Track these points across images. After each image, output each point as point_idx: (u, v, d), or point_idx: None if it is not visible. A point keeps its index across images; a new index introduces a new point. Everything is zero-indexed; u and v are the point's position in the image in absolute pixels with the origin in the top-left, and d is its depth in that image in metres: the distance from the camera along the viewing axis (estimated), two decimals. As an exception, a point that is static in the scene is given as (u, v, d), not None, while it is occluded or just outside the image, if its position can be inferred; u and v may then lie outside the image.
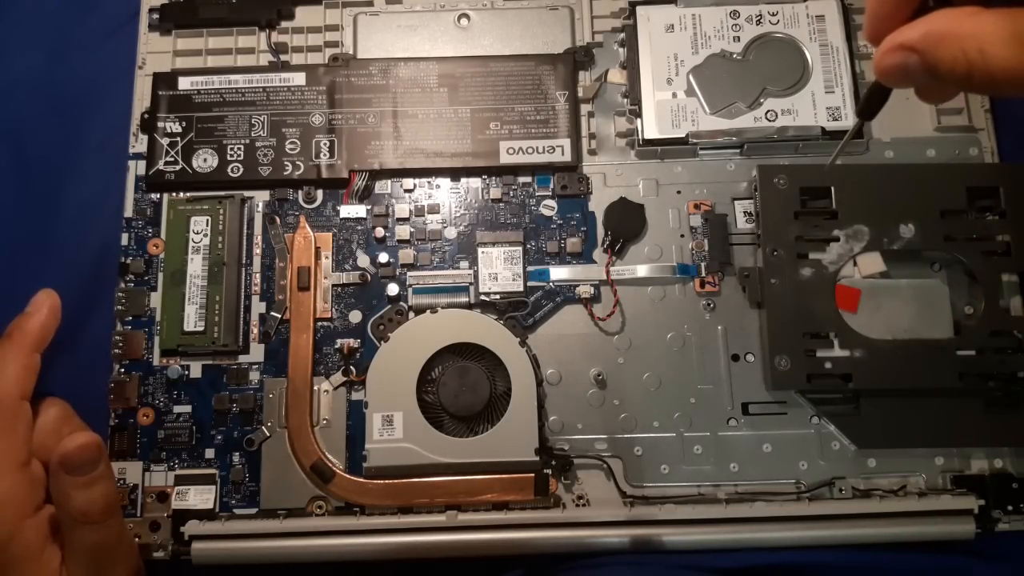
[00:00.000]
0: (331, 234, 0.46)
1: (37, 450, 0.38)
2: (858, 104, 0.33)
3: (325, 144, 0.47)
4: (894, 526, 0.41)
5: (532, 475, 0.42)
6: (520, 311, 0.45)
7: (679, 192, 0.47)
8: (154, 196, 0.47)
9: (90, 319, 0.46)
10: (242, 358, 0.45)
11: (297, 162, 0.47)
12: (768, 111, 0.46)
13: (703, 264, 0.45)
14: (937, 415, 0.43)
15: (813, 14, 0.47)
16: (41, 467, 0.38)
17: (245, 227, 0.46)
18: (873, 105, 0.32)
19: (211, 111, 0.47)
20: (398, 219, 0.47)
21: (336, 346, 0.45)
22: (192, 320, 0.44)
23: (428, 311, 0.45)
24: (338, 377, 0.44)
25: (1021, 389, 0.42)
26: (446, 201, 0.47)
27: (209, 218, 0.46)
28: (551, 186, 0.47)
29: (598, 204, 0.47)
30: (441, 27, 0.49)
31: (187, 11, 0.49)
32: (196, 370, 0.45)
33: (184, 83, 0.47)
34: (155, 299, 0.45)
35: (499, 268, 0.46)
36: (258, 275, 0.46)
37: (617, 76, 0.48)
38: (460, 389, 0.43)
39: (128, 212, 0.47)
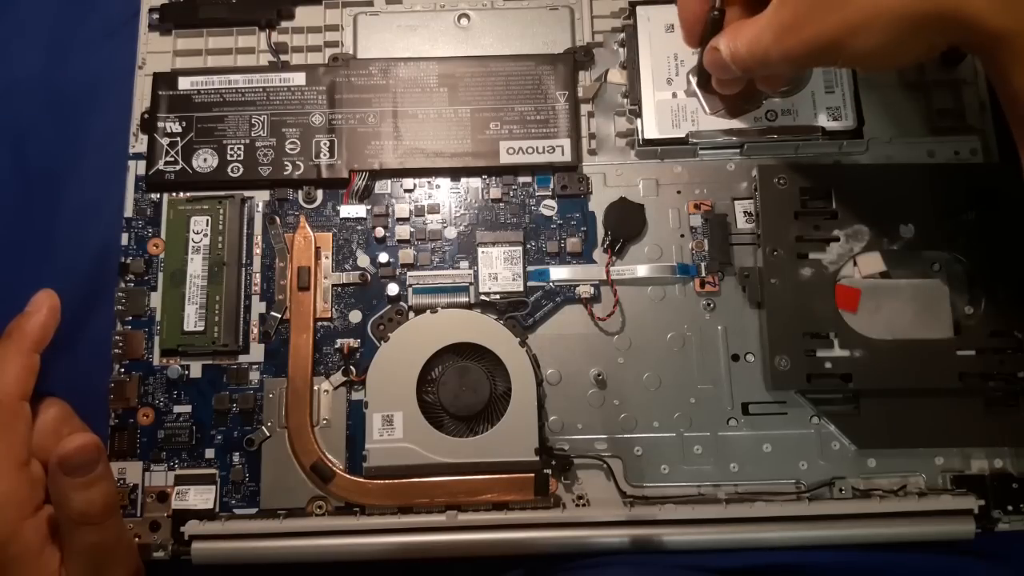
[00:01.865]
0: (331, 234, 0.46)
1: (36, 450, 0.38)
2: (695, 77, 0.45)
3: (325, 144, 0.47)
4: (894, 526, 0.41)
5: (532, 475, 0.42)
6: (520, 311, 0.45)
7: (679, 192, 0.47)
8: (154, 196, 0.47)
9: (90, 319, 0.46)
10: (242, 358, 0.45)
11: (297, 162, 0.47)
12: (768, 111, 0.46)
13: (703, 264, 0.45)
14: (937, 415, 0.43)
15: (813, 14, 0.47)
16: (40, 467, 0.38)
17: (245, 227, 0.46)
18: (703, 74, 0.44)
19: (211, 111, 0.47)
20: (398, 219, 0.47)
21: (336, 346, 0.45)
22: (192, 320, 0.44)
23: (428, 311, 0.45)
24: (338, 377, 0.44)
25: (1021, 389, 0.42)
26: (446, 201, 0.47)
27: (209, 218, 0.46)
28: (551, 186, 0.47)
29: (598, 204, 0.47)
30: (441, 27, 0.49)
31: (187, 11, 0.49)
32: (196, 370, 0.45)
33: (184, 83, 0.47)
34: (155, 299, 0.45)
35: (499, 268, 0.46)
36: (258, 275, 0.46)
37: (617, 76, 0.48)
38: (460, 389, 0.43)
39: (128, 212, 0.47)
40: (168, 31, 0.49)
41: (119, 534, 0.38)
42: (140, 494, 0.43)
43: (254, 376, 0.45)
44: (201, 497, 0.43)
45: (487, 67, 0.48)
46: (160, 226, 0.46)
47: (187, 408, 0.44)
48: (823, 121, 0.45)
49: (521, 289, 0.45)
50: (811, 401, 0.44)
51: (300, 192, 0.47)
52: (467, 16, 0.49)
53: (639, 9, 0.47)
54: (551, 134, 0.47)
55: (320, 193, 0.47)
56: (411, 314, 0.45)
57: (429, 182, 0.47)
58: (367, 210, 0.47)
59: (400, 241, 0.46)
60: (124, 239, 0.46)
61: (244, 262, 0.46)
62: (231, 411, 0.44)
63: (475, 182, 0.47)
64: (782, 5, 0.35)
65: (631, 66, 0.47)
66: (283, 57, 0.49)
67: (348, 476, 0.43)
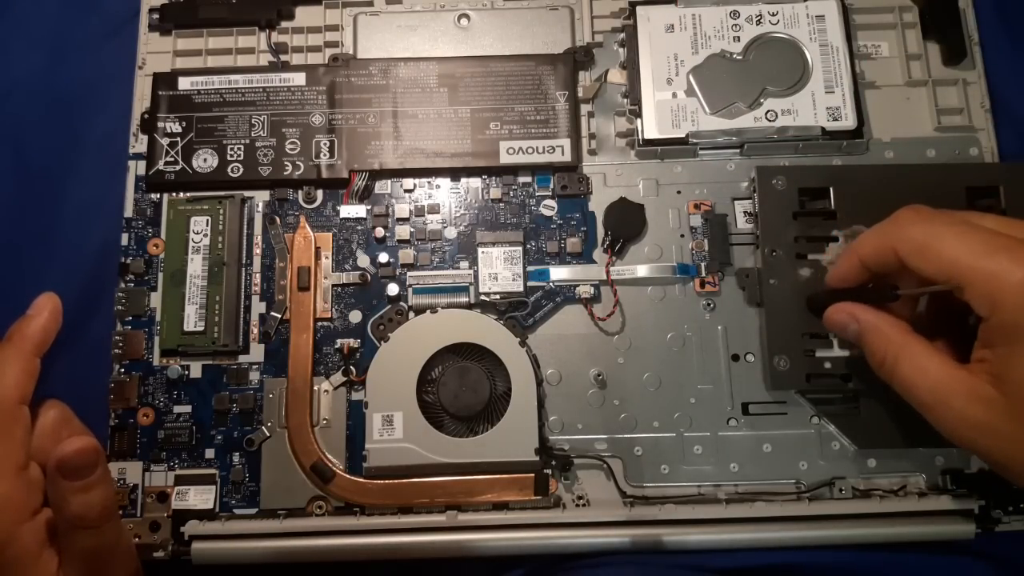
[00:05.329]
0: (331, 234, 0.46)
1: (35, 453, 0.38)
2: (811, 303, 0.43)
3: (325, 144, 0.47)
4: (894, 526, 0.41)
5: (532, 475, 0.42)
6: (520, 311, 0.45)
7: (679, 192, 0.47)
8: (154, 196, 0.47)
9: (90, 319, 0.46)
10: (242, 358, 0.45)
11: (297, 162, 0.47)
12: (768, 111, 0.46)
13: (703, 264, 0.45)
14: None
15: (813, 14, 0.47)
16: (39, 470, 0.38)
17: (245, 227, 0.46)
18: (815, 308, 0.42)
19: (211, 111, 0.47)
20: (398, 219, 0.47)
21: (336, 346, 0.45)
22: (192, 320, 0.44)
23: (428, 311, 0.45)
24: (338, 377, 0.44)
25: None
26: (446, 201, 0.47)
27: (209, 218, 0.46)
28: (551, 186, 0.47)
29: (598, 204, 0.47)
30: (441, 27, 0.49)
31: (187, 11, 0.49)
32: (196, 370, 0.45)
33: (184, 83, 0.47)
34: (155, 299, 0.45)
35: (499, 268, 0.46)
36: (258, 275, 0.46)
37: (617, 76, 0.48)
38: (460, 389, 0.43)
39: (128, 212, 0.47)
40: (168, 31, 0.49)
41: (118, 537, 0.38)
42: (140, 494, 0.43)
43: (254, 376, 0.45)
44: (201, 497, 0.43)
45: (487, 67, 0.48)
46: (160, 226, 0.46)
47: (187, 408, 0.44)
48: (823, 121, 0.45)
49: (521, 289, 0.45)
50: (811, 401, 0.44)
51: (300, 192, 0.47)
52: (467, 16, 0.49)
53: (639, 9, 0.47)
54: (551, 134, 0.47)
55: (320, 193, 0.47)
56: (411, 314, 0.45)
57: (429, 182, 0.47)
58: (367, 210, 0.47)
59: (400, 241, 0.46)
60: (124, 239, 0.46)
61: (244, 262, 0.46)
62: (231, 411, 0.44)
63: (475, 182, 0.47)
64: (1003, 383, 0.32)
65: (631, 66, 0.47)
66: (283, 57, 0.49)
67: (348, 476, 0.43)
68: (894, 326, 0.36)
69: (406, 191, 0.47)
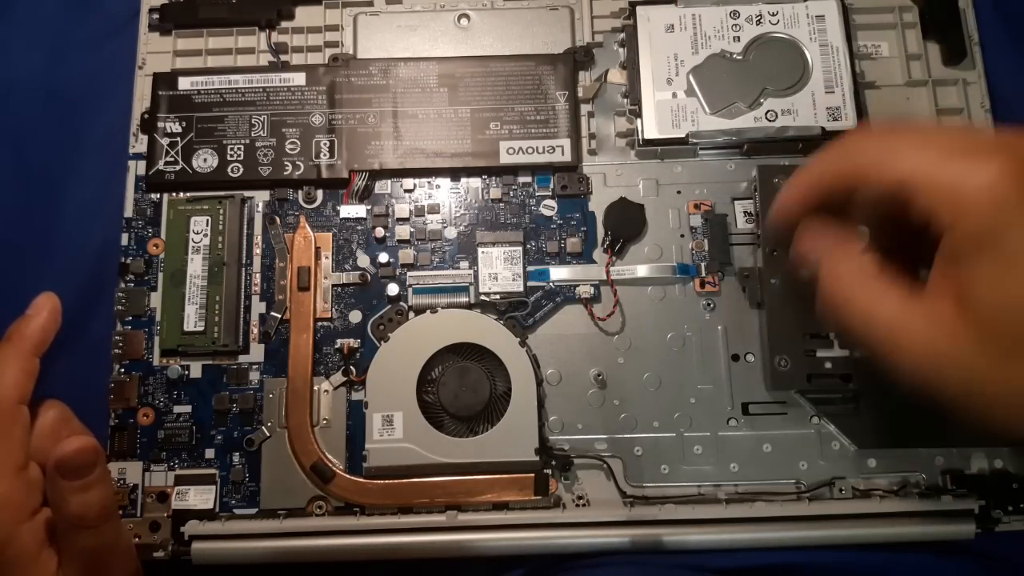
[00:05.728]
0: (331, 234, 0.46)
1: (34, 453, 0.38)
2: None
3: (325, 144, 0.47)
4: (894, 526, 0.41)
5: (532, 475, 0.42)
6: (520, 311, 0.45)
7: (679, 192, 0.47)
8: (154, 196, 0.47)
9: (90, 319, 0.46)
10: (242, 358, 0.45)
11: (297, 162, 0.47)
12: (768, 111, 0.46)
13: (703, 264, 0.45)
14: (937, 415, 0.42)
15: (813, 14, 0.47)
16: (39, 470, 0.38)
17: (245, 227, 0.46)
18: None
19: (211, 111, 0.47)
20: (398, 219, 0.47)
21: (336, 346, 0.45)
22: (192, 320, 0.44)
23: (428, 311, 0.45)
24: (338, 377, 0.44)
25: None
26: (446, 201, 0.47)
27: (209, 218, 0.46)
28: (551, 186, 0.47)
29: (598, 204, 0.47)
30: (441, 27, 0.49)
31: (187, 11, 0.49)
32: (196, 370, 0.45)
33: (184, 83, 0.47)
34: (155, 299, 0.45)
35: (499, 268, 0.46)
36: (258, 275, 0.46)
37: (617, 76, 0.48)
38: (460, 389, 0.43)
39: (128, 212, 0.47)
40: (168, 31, 0.49)
41: (117, 537, 0.38)
42: (140, 494, 0.43)
43: (254, 376, 0.45)
44: (201, 497, 0.43)
45: (487, 67, 0.48)
46: (160, 226, 0.46)
47: (187, 408, 0.44)
48: (823, 121, 0.45)
49: (521, 289, 0.45)
50: (811, 401, 0.44)
51: (300, 192, 0.47)
52: (467, 16, 0.49)
53: (639, 9, 0.47)
54: (551, 134, 0.47)
55: (320, 193, 0.47)
56: (411, 314, 0.45)
57: (429, 182, 0.47)
58: (367, 210, 0.47)
59: (400, 241, 0.46)
60: (124, 239, 0.46)
61: (244, 262, 0.46)
62: (231, 411, 0.44)
63: (475, 182, 0.47)
64: (967, 305, 0.27)
65: (631, 66, 0.47)
66: (283, 57, 0.49)
67: (348, 476, 0.43)
68: (845, 260, 0.31)
69: (406, 191, 0.47)
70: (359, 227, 0.47)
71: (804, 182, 0.33)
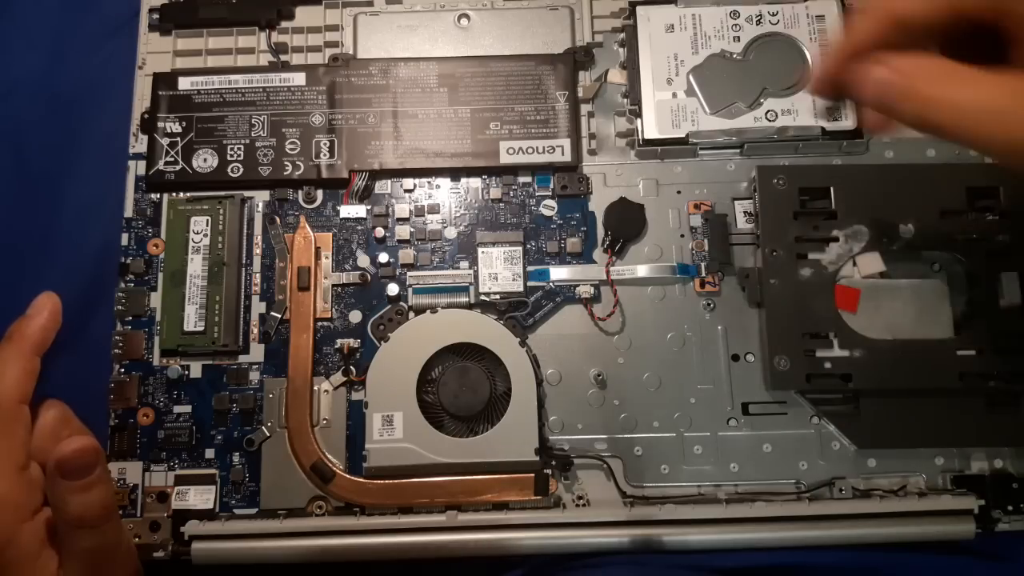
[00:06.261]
0: (331, 234, 0.46)
1: (35, 453, 0.38)
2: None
3: (325, 144, 0.47)
4: (894, 526, 0.41)
5: (532, 475, 0.42)
6: (520, 311, 0.45)
7: (679, 192, 0.47)
8: (154, 196, 0.47)
9: (90, 319, 0.46)
10: (242, 358, 0.45)
11: (297, 162, 0.47)
12: (768, 111, 0.46)
13: (703, 264, 0.45)
14: (937, 415, 0.43)
15: (813, 14, 0.47)
16: (39, 470, 0.38)
17: (245, 227, 0.46)
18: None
19: (211, 111, 0.47)
20: (398, 219, 0.47)
21: (336, 346, 0.45)
22: (192, 320, 0.44)
23: (428, 311, 0.45)
24: (338, 377, 0.44)
25: (1021, 389, 0.42)
26: (446, 201, 0.47)
27: (209, 218, 0.46)
28: (551, 186, 0.47)
29: (598, 204, 0.47)
30: (441, 27, 0.49)
31: (187, 11, 0.49)
32: (196, 370, 0.45)
33: (184, 83, 0.47)
34: (155, 299, 0.45)
35: (499, 268, 0.46)
36: (258, 275, 0.46)
37: (617, 76, 0.48)
38: (460, 389, 0.43)
39: (128, 212, 0.47)
40: (168, 31, 0.49)
41: (118, 537, 0.38)
42: (140, 494, 0.43)
43: (254, 376, 0.45)
44: (201, 497, 0.43)
45: (487, 67, 0.48)
46: (160, 226, 0.46)
47: (187, 408, 0.44)
48: (823, 121, 0.45)
49: (521, 289, 0.45)
50: (811, 401, 0.44)
51: (300, 192, 0.47)
52: (467, 16, 0.49)
53: (639, 9, 0.47)
54: (551, 134, 0.47)
55: (320, 193, 0.47)
56: (411, 314, 0.45)
57: (429, 182, 0.47)
58: (367, 210, 0.47)
59: (400, 241, 0.46)
60: (124, 239, 0.46)
61: (244, 262, 0.46)
62: (231, 411, 0.44)
63: (475, 182, 0.47)
64: None
65: (631, 66, 0.47)
66: (283, 57, 0.49)
67: (348, 476, 0.43)
68: (939, 62, 0.29)
69: (406, 191, 0.47)
70: (359, 227, 0.47)
71: (876, 15, 0.31)
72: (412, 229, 0.47)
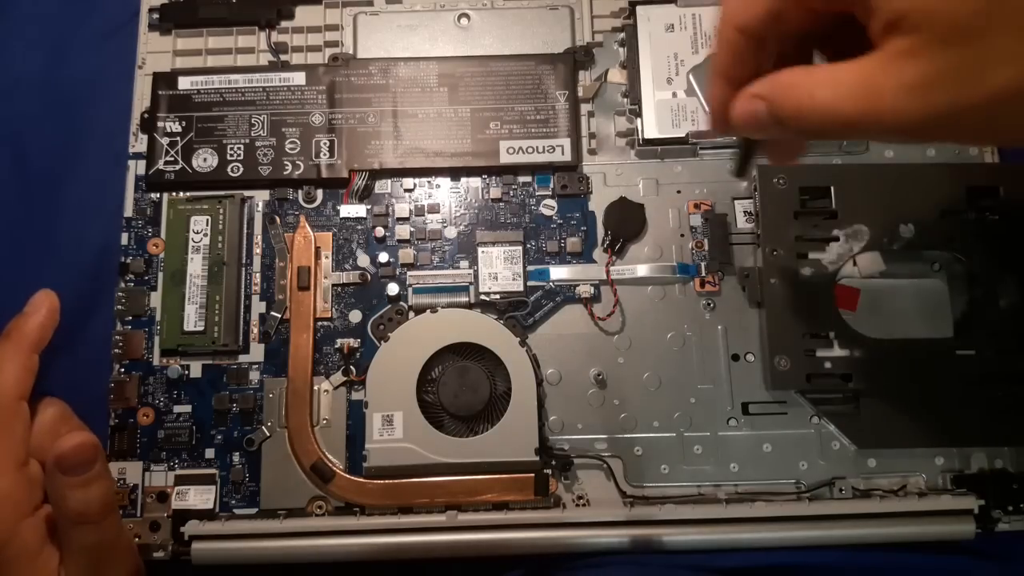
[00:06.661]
0: (331, 234, 0.46)
1: (35, 450, 0.38)
2: (734, 165, 0.35)
3: (325, 144, 0.47)
4: (894, 526, 0.41)
5: (532, 475, 0.42)
6: (520, 311, 0.45)
7: (679, 192, 0.47)
8: (154, 196, 0.47)
9: (90, 319, 0.46)
10: (242, 358, 0.45)
11: (297, 162, 0.47)
12: (768, 111, 0.46)
13: (703, 264, 0.45)
14: (937, 415, 0.43)
15: (813, 14, 0.47)
16: (39, 467, 0.38)
17: (245, 227, 0.46)
18: (744, 161, 0.35)
19: (211, 111, 0.47)
20: (398, 219, 0.47)
21: (336, 346, 0.45)
22: (192, 320, 0.44)
23: (428, 311, 0.45)
24: (338, 377, 0.44)
25: (1021, 389, 0.42)
26: (446, 201, 0.47)
27: (209, 218, 0.46)
28: (551, 186, 0.47)
29: (598, 204, 0.47)
30: (441, 27, 0.49)
31: (187, 11, 0.49)
32: (196, 370, 0.45)
33: (184, 83, 0.47)
34: (155, 299, 0.45)
35: (499, 268, 0.46)
36: (258, 275, 0.46)
37: (617, 76, 0.48)
38: (460, 389, 0.43)
39: (128, 212, 0.47)
40: (168, 31, 0.49)
41: (118, 533, 0.38)
42: (140, 494, 0.43)
43: (254, 376, 0.45)
44: (201, 497, 0.43)
45: (487, 67, 0.48)
46: (160, 226, 0.46)
47: (187, 408, 0.44)
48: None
49: (521, 289, 0.45)
50: (811, 401, 0.44)
51: (300, 192, 0.47)
52: (467, 16, 0.49)
53: (639, 9, 0.47)
54: (551, 134, 0.47)
55: (320, 193, 0.47)
56: (411, 314, 0.45)
57: (429, 182, 0.47)
58: (367, 210, 0.47)
59: (400, 241, 0.46)
60: (124, 239, 0.46)
61: (244, 262, 0.46)
62: (231, 411, 0.44)
63: (475, 182, 0.47)
64: (911, 56, 0.25)
65: (631, 66, 0.47)
66: (283, 57, 0.49)
67: (348, 476, 0.43)
68: (796, 71, 0.29)
69: (406, 191, 0.47)
70: (359, 227, 0.47)
71: (728, 25, 0.31)
72: (412, 229, 0.47)
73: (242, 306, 0.45)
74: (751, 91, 0.30)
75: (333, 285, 0.46)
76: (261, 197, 0.47)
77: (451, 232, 0.47)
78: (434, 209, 0.47)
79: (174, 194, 0.47)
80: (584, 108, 0.48)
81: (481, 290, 0.45)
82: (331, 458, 0.43)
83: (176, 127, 0.47)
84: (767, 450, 0.44)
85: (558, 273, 0.46)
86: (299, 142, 0.47)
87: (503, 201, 0.47)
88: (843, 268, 0.44)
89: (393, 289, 0.45)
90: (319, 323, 0.45)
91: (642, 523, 0.42)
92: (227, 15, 0.49)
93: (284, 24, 0.49)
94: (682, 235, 0.46)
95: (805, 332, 0.43)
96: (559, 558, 0.42)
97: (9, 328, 0.40)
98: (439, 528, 0.42)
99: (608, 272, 0.45)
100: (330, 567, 0.42)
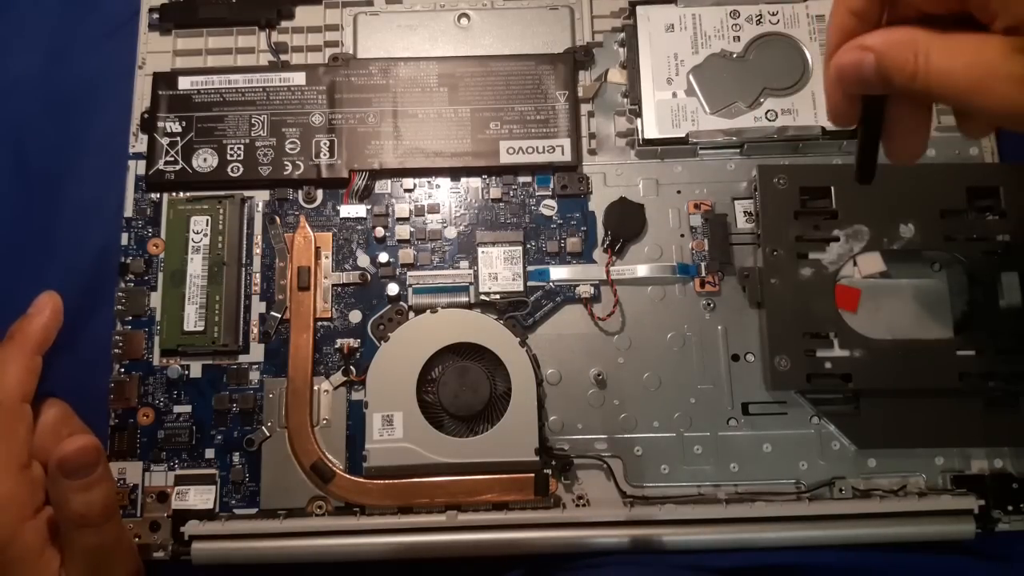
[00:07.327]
0: (331, 234, 0.46)
1: (36, 452, 0.38)
2: (855, 168, 0.32)
3: (325, 144, 0.47)
4: (894, 526, 0.41)
5: (532, 475, 0.42)
6: (520, 311, 0.45)
7: (679, 192, 0.47)
8: (154, 196, 0.47)
9: (90, 319, 0.46)
10: (242, 358, 0.45)
11: (297, 162, 0.47)
12: (768, 111, 0.46)
13: (703, 264, 0.45)
14: (937, 415, 0.43)
15: (813, 14, 0.47)
16: (41, 469, 0.38)
17: (245, 227, 0.46)
18: (865, 160, 0.32)
19: (211, 111, 0.47)
20: (398, 219, 0.47)
21: (336, 346, 0.45)
22: (192, 320, 0.44)
23: (428, 311, 0.45)
24: (338, 377, 0.44)
25: (1021, 389, 0.42)
26: (446, 201, 0.47)
27: (209, 218, 0.46)
28: (551, 186, 0.47)
29: (598, 204, 0.47)
30: (441, 27, 0.49)
31: (187, 11, 0.49)
32: (196, 370, 0.45)
33: (184, 83, 0.47)
34: (155, 299, 0.45)
35: (499, 268, 0.46)
36: (258, 275, 0.46)
37: (617, 76, 0.48)
38: (460, 389, 0.43)
39: (128, 212, 0.47)
40: (168, 31, 0.49)
41: (119, 536, 0.38)
42: (140, 494, 0.43)
43: (254, 376, 0.45)
44: (201, 497, 0.43)
45: (487, 67, 0.48)
46: (160, 226, 0.46)
47: (187, 408, 0.44)
48: (823, 121, 0.45)
49: (521, 289, 0.45)
50: (811, 401, 0.44)
51: (300, 192, 0.47)
52: (467, 16, 0.49)
53: (639, 9, 0.47)
54: (551, 134, 0.47)
55: (320, 193, 0.47)
56: (411, 314, 0.45)
57: (429, 182, 0.47)
58: (367, 210, 0.47)
59: (400, 241, 0.46)
60: (124, 239, 0.46)
61: (244, 262, 0.46)
62: (231, 411, 0.44)
63: (475, 182, 0.47)
64: None
65: (631, 66, 0.47)
66: (283, 57, 0.49)
67: (348, 476, 0.43)
68: (911, 30, 0.29)
69: (406, 191, 0.47)
70: (359, 227, 0.47)
71: (842, 8, 0.30)
72: (412, 229, 0.47)
73: (242, 306, 0.45)
74: (860, 41, 0.29)
75: (333, 285, 0.46)
76: (261, 197, 0.47)
77: (451, 232, 0.47)
78: (434, 209, 0.47)
79: (174, 194, 0.47)
80: (584, 108, 0.48)
81: (481, 290, 0.45)
82: (331, 458, 0.43)
83: (176, 127, 0.47)
84: (767, 450, 0.44)
85: (558, 273, 0.46)
86: (299, 142, 0.47)
87: (503, 201, 0.47)
88: (843, 268, 0.44)
89: (393, 289, 0.45)
90: (319, 323, 0.45)
91: (642, 523, 0.42)
92: (227, 15, 0.49)
93: (284, 24, 0.49)
94: (682, 235, 0.46)
95: (805, 332, 0.43)
96: (559, 558, 0.42)
97: (13, 330, 0.40)
98: (439, 528, 0.42)
99: (608, 272, 0.45)
100: (330, 567, 0.42)
